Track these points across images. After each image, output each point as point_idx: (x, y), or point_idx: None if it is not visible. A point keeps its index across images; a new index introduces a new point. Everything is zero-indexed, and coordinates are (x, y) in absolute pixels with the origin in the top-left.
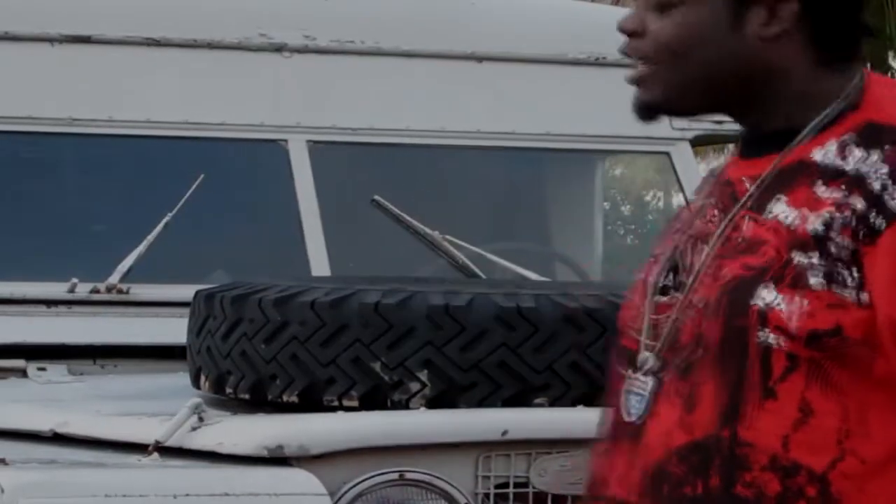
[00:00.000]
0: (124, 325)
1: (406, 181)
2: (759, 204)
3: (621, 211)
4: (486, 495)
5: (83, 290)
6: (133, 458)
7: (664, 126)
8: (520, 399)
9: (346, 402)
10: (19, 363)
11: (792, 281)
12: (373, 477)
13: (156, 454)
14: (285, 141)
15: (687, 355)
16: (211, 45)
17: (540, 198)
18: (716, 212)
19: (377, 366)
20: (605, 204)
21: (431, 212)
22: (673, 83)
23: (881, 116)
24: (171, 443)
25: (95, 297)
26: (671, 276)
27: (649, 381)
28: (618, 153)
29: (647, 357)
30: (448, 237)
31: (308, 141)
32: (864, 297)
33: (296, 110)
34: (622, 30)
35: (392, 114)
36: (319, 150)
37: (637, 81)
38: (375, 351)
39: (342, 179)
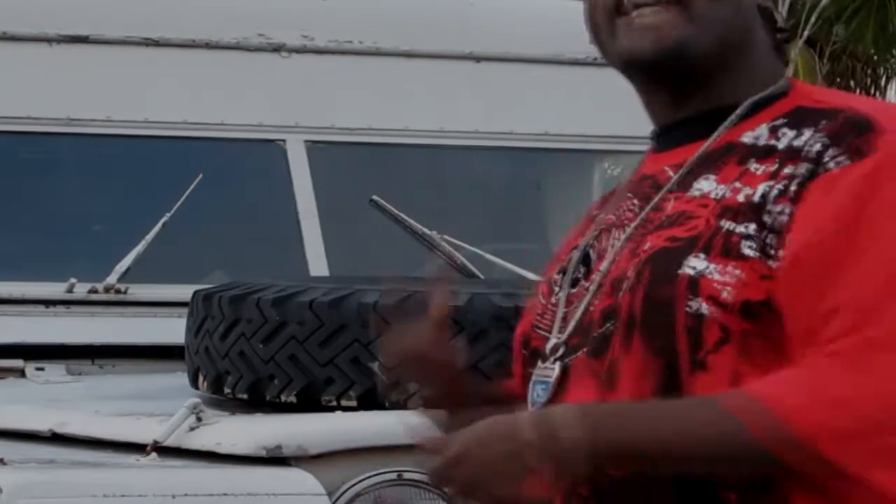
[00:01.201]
0: (123, 326)
1: (404, 181)
2: (684, 184)
3: None
4: None
5: (81, 290)
6: (131, 459)
7: None
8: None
9: (344, 402)
10: (18, 363)
11: (723, 249)
12: (371, 477)
13: (154, 454)
14: (283, 141)
15: (598, 332)
16: (209, 46)
17: (538, 198)
18: (635, 201)
19: (375, 366)
20: None
21: (430, 212)
22: (694, 23)
23: (809, 103)
24: (169, 443)
25: (94, 297)
26: (581, 269)
27: (556, 368)
28: (616, 153)
29: (553, 344)
30: (446, 237)
31: (306, 141)
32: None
33: (294, 110)
34: None
35: (390, 114)
36: (318, 150)
37: (651, 26)
38: (374, 351)
39: (340, 179)
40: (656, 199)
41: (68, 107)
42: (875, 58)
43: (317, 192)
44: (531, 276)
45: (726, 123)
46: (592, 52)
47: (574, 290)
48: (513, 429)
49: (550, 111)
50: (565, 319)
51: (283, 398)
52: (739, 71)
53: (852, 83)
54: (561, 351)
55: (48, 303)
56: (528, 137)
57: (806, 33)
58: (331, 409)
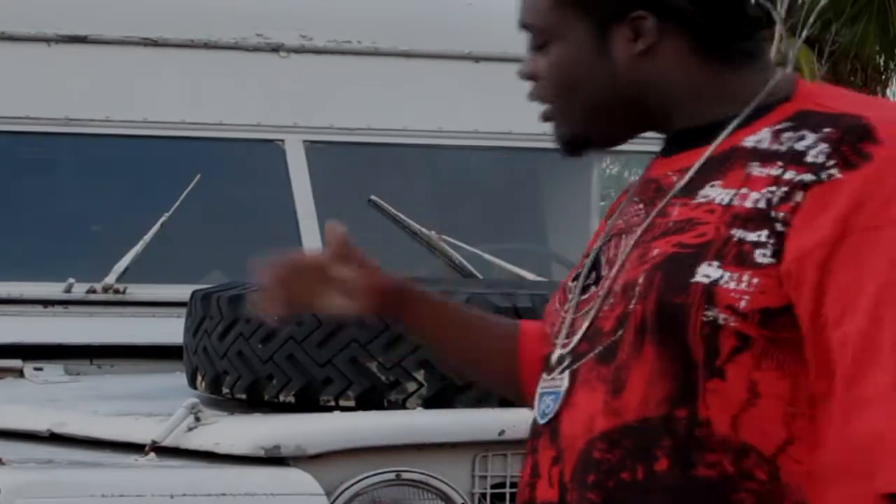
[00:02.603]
0: (121, 325)
1: (403, 181)
2: (689, 190)
3: None
4: (483, 495)
5: (80, 290)
6: (130, 458)
7: None
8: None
9: (342, 403)
10: (16, 363)
11: (737, 258)
12: (369, 477)
13: (152, 454)
14: (282, 141)
15: (608, 339)
16: (208, 45)
17: (537, 198)
18: (641, 206)
19: (374, 366)
20: (601, 203)
21: (428, 212)
22: (577, 117)
23: (812, 106)
24: (167, 443)
25: (92, 297)
26: (592, 275)
27: (564, 378)
28: (614, 153)
29: (560, 354)
30: (445, 237)
31: (305, 141)
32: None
33: (292, 110)
34: (522, 77)
35: (389, 114)
36: (316, 150)
37: (549, 122)
38: (372, 351)
39: (339, 179)
40: (661, 204)
41: (67, 107)
42: (879, 58)
43: (315, 192)
44: (529, 275)
45: (728, 130)
46: None
47: (585, 297)
48: None
49: None
50: (573, 327)
51: (281, 398)
52: (681, 104)
53: (852, 84)
54: (567, 361)
55: (46, 303)
56: (527, 137)
57: (805, 34)
58: (329, 409)
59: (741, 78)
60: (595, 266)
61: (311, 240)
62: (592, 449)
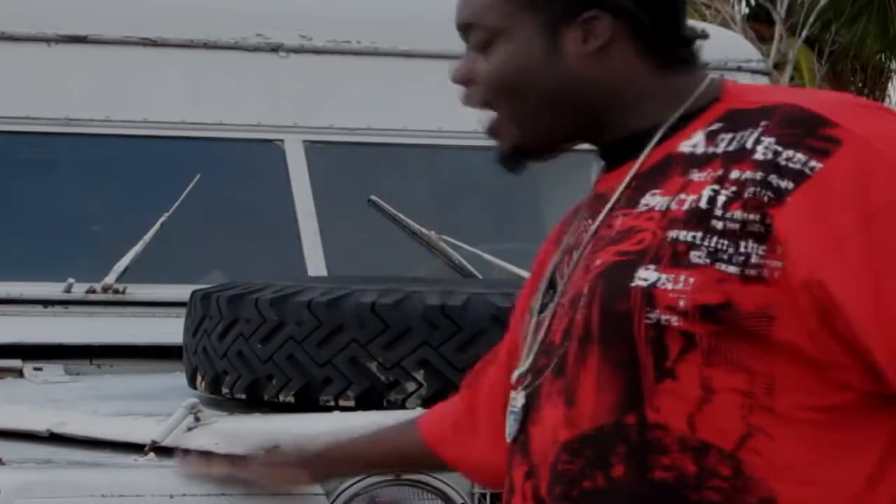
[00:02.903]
0: (121, 325)
1: (403, 181)
2: (631, 201)
3: None
4: (483, 495)
5: (79, 290)
6: (129, 459)
7: None
8: None
9: (342, 403)
10: (16, 363)
11: (672, 259)
12: (369, 477)
13: (152, 454)
14: (281, 141)
15: (559, 352)
16: (207, 45)
17: (536, 198)
18: (589, 221)
19: (373, 366)
20: None
21: (428, 212)
22: (523, 123)
23: (743, 104)
24: (167, 443)
25: (92, 297)
26: (550, 293)
27: (520, 397)
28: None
29: (518, 373)
30: (444, 237)
31: (304, 141)
32: (756, 271)
33: (292, 110)
34: (454, 81)
35: (389, 114)
36: (316, 150)
37: (490, 132)
38: (372, 351)
39: (339, 179)
40: (604, 211)
41: (66, 107)
42: (879, 57)
43: (315, 192)
44: (529, 275)
45: (654, 140)
46: None
47: (543, 315)
48: None
49: None
50: (532, 345)
51: (281, 398)
52: (624, 107)
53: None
54: (528, 379)
55: (46, 303)
56: None
57: (804, 34)
58: (329, 409)
59: (685, 81)
60: (551, 284)
61: (311, 240)
62: (557, 461)
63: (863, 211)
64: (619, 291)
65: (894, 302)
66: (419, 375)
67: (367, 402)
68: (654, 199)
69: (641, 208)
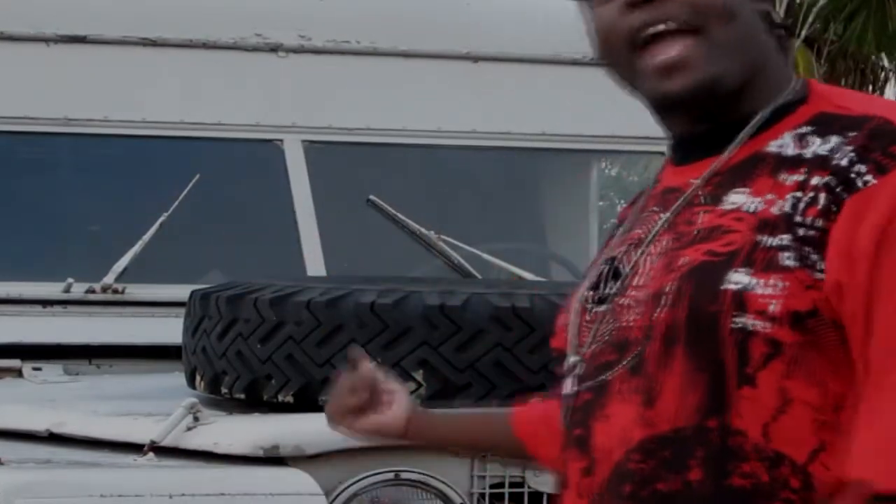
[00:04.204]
0: (120, 325)
1: (402, 181)
2: (715, 198)
3: (618, 211)
4: (482, 495)
5: (79, 290)
6: (129, 458)
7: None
8: (515, 399)
9: None
10: (15, 363)
11: (765, 264)
12: (368, 477)
13: (151, 454)
14: (281, 141)
15: (637, 349)
16: (206, 45)
17: (535, 198)
18: (662, 215)
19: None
20: (600, 203)
21: (427, 212)
22: (722, 52)
23: (831, 108)
24: (166, 443)
25: (91, 297)
26: (612, 285)
27: (570, 384)
28: (613, 153)
29: (571, 362)
30: (444, 237)
31: (304, 141)
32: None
33: (291, 110)
34: None
35: (388, 114)
36: (315, 150)
37: (672, 65)
38: (371, 351)
39: (338, 179)
40: (675, 209)
41: (66, 107)
42: (881, 55)
43: (314, 192)
44: (528, 275)
45: (746, 131)
46: (590, 52)
47: (607, 307)
48: None
49: (548, 111)
50: (595, 336)
51: (280, 398)
52: (757, 82)
53: (851, 83)
54: (579, 369)
55: (45, 303)
56: (526, 137)
57: (804, 33)
58: None
59: (786, 74)
60: (614, 276)
61: (310, 240)
62: (628, 460)
63: (885, 228)
64: (709, 293)
65: (881, 318)
66: (419, 375)
67: None
68: (741, 199)
69: (727, 206)
